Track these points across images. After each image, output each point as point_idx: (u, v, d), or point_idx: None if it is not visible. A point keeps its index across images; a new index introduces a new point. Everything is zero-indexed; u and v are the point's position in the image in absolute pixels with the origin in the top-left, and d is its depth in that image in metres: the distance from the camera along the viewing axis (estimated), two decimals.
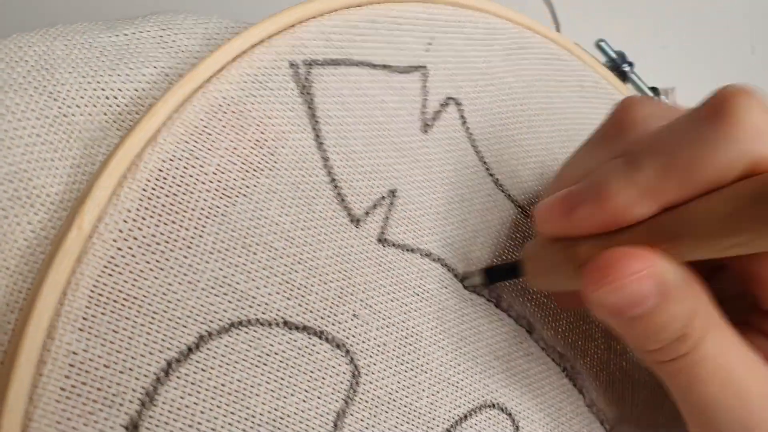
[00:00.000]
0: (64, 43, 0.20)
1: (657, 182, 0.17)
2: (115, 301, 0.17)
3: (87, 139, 0.19)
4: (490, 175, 0.25)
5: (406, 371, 0.21)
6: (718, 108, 0.17)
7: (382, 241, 0.22)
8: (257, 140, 0.20)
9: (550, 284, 0.22)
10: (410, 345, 0.22)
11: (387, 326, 0.21)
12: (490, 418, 0.23)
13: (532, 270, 0.21)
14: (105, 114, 0.19)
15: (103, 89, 0.19)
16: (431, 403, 0.22)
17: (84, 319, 0.17)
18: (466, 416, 0.22)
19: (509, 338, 0.24)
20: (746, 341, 0.19)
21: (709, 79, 0.65)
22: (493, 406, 0.23)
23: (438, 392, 0.22)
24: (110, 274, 0.17)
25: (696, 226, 0.17)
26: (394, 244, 0.22)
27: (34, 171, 0.18)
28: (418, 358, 0.22)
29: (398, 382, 0.21)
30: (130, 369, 0.17)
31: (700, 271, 0.18)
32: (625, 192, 0.18)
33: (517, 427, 0.23)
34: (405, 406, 0.21)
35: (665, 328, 0.18)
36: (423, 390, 0.21)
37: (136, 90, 0.20)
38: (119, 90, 0.20)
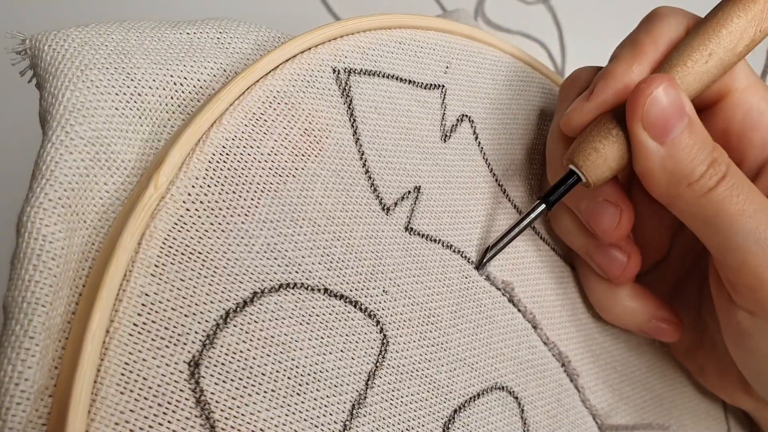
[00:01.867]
0: (137, 35, 0.22)
1: (636, 54, 0.24)
2: (182, 253, 0.19)
3: (156, 118, 0.21)
4: (499, 185, 0.28)
5: (427, 346, 0.23)
6: (650, 13, 0.25)
7: (408, 229, 0.24)
8: (306, 129, 0.23)
9: (602, 160, 0.23)
10: (432, 324, 0.24)
11: (412, 304, 0.23)
12: (499, 399, 0.25)
13: (583, 155, 0.23)
14: (172, 98, 0.22)
15: (171, 76, 0.22)
16: (449, 378, 0.23)
17: (156, 266, 0.19)
18: (478, 394, 0.24)
19: (518, 330, 0.26)
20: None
21: None
22: (502, 388, 0.25)
23: (455, 369, 0.24)
24: (179, 231, 0.19)
25: (678, 55, 0.23)
26: (419, 234, 0.25)
27: (112, 138, 0.20)
28: (438, 337, 0.24)
29: (421, 355, 0.23)
30: (194, 314, 0.19)
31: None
32: (618, 65, 0.24)
33: (522, 410, 0.25)
34: (426, 377, 0.23)
35: (700, 148, 0.22)
36: (442, 365, 0.23)
37: (199, 80, 0.23)
38: (185, 78, 0.22)
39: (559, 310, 0.28)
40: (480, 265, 0.26)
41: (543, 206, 0.25)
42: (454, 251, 0.25)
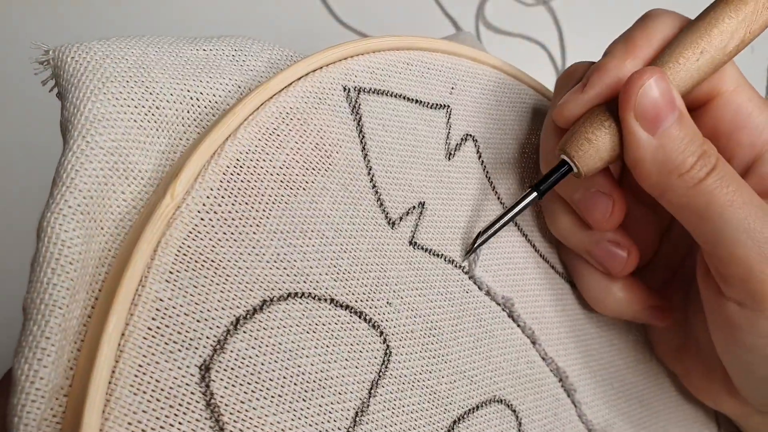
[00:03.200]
0: (156, 49, 0.23)
1: (629, 49, 0.25)
2: (196, 261, 0.20)
3: (172, 131, 0.22)
4: (501, 202, 0.29)
5: (429, 358, 0.24)
6: (645, 14, 0.26)
7: (412, 243, 0.25)
8: (317, 144, 0.23)
9: (594, 151, 0.24)
10: (433, 336, 0.24)
11: (415, 317, 0.24)
12: (497, 411, 0.25)
13: (575, 146, 0.24)
14: (188, 112, 0.23)
15: (188, 90, 0.23)
16: (449, 390, 0.24)
17: (170, 272, 0.19)
18: (477, 406, 0.25)
19: (517, 345, 0.27)
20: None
21: None
22: (501, 401, 0.26)
23: (455, 381, 0.24)
24: (194, 239, 0.20)
25: (670, 51, 0.24)
26: (422, 248, 0.25)
27: (131, 149, 0.21)
28: (439, 349, 0.24)
29: (422, 366, 0.24)
30: (206, 319, 0.19)
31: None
32: (612, 59, 0.25)
33: (520, 423, 0.26)
34: (426, 388, 0.23)
35: (690, 141, 0.23)
36: (442, 377, 0.24)
37: (215, 96, 0.23)
38: (201, 93, 0.23)
39: (558, 327, 0.29)
40: (469, 252, 0.26)
41: (534, 194, 0.25)
42: (456, 266, 0.26)
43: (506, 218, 0.26)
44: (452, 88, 0.29)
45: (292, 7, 0.61)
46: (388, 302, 0.24)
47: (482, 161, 0.29)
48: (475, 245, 0.26)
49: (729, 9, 0.24)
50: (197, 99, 0.23)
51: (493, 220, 0.26)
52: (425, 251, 0.25)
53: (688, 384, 0.31)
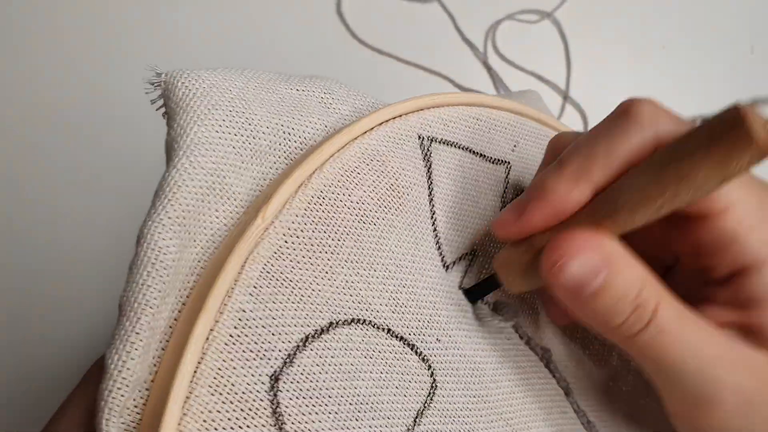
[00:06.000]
0: (255, 84, 0.26)
1: (582, 169, 0.22)
2: (277, 279, 0.22)
3: (265, 160, 0.25)
4: None
5: (470, 396, 0.26)
6: (623, 109, 0.22)
7: (461, 288, 0.27)
8: (391, 185, 0.25)
9: (524, 284, 0.24)
10: (476, 377, 0.26)
11: (460, 356, 0.26)
12: None
13: (505, 274, 0.25)
14: (280, 145, 0.25)
15: (282, 125, 0.25)
16: (486, 428, 0.26)
17: (254, 287, 0.21)
18: None
19: (551, 394, 0.28)
20: (698, 312, 0.22)
21: (709, 79, 0.66)
22: None
23: (492, 422, 0.26)
24: (278, 259, 0.22)
25: (626, 197, 0.20)
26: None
27: (228, 172, 0.23)
28: (480, 389, 0.26)
29: (463, 403, 0.25)
30: (280, 333, 0.21)
31: (655, 269, 0.22)
32: (558, 182, 0.22)
33: None
34: (466, 424, 0.25)
35: (622, 297, 0.21)
36: (481, 416, 0.26)
37: (304, 132, 0.26)
38: (293, 129, 0.25)
39: (593, 382, 0.30)
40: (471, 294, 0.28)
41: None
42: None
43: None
44: (515, 146, 0.31)
45: (309, 23, 0.64)
46: (437, 339, 0.25)
47: None
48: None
49: (708, 164, 0.18)
50: (289, 134, 0.25)
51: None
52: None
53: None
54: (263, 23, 0.63)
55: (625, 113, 0.22)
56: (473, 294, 0.28)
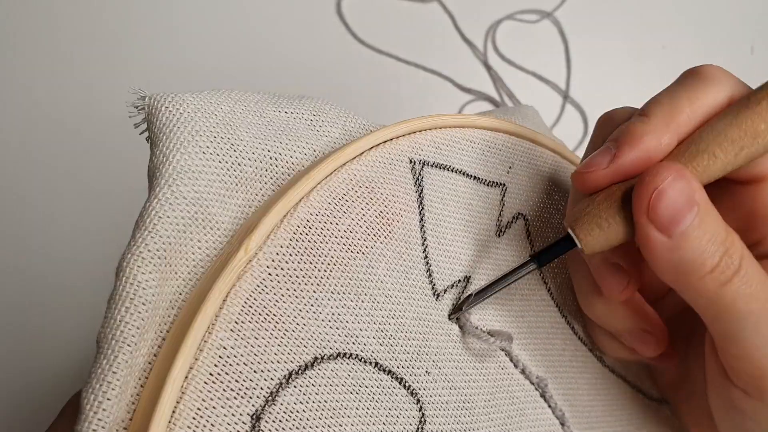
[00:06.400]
0: (242, 107, 0.25)
1: (670, 118, 0.23)
2: (260, 314, 0.21)
3: (250, 188, 0.24)
4: (545, 283, 0.30)
5: (460, 430, 0.25)
6: (695, 71, 0.24)
7: (449, 317, 0.26)
8: (380, 212, 0.25)
9: (603, 237, 0.23)
10: (467, 409, 0.25)
11: (450, 388, 0.25)
12: None
13: (584, 230, 0.23)
14: (266, 171, 0.24)
15: (269, 151, 0.25)
16: None
17: (236, 323, 0.21)
18: None
19: (546, 425, 0.28)
20: None
21: None
22: None
23: None
24: (260, 293, 0.22)
25: (708, 140, 0.22)
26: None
27: (211, 201, 0.23)
28: (471, 422, 0.25)
29: None
30: (262, 371, 0.21)
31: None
32: (648, 130, 0.23)
33: None
34: None
35: (712, 239, 0.21)
36: None
37: (292, 158, 0.25)
38: (280, 155, 0.25)
39: (588, 411, 0.29)
40: (454, 310, 0.26)
41: (533, 266, 0.26)
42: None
43: (502, 285, 0.26)
44: (510, 168, 0.30)
45: (309, 23, 0.64)
46: (426, 371, 0.25)
47: (530, 240, 0.30)
48: (465, 307, 0.26)
49: None
50: (276, 159, 0.25)
51: (487, 284, 0.26)
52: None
53: (676, 412, 0.31)
54: (263, 23, 0.63)
55: (698, 74, 0.24)
56: (543, 258, 0.25)
